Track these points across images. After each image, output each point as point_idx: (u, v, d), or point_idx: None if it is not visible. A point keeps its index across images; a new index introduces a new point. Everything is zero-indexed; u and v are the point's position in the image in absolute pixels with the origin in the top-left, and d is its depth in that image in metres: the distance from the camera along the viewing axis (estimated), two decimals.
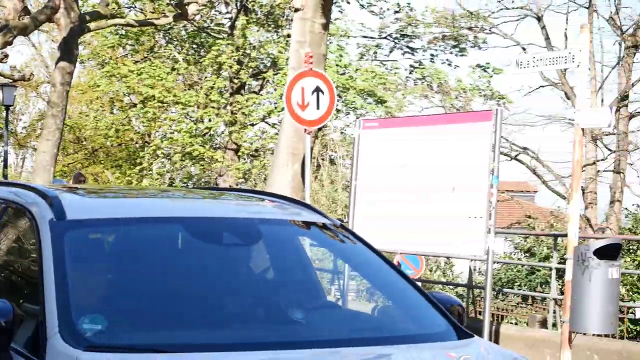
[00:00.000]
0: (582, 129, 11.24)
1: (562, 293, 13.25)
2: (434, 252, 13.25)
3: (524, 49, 36.47)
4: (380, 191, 12.52)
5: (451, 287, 25.60)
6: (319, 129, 14.70)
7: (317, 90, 13.09)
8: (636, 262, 27.80)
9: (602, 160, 35.44)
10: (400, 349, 4.86)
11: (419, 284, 23.59)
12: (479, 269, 30.14)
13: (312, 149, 14.85)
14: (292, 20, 15.71)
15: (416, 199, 11.92)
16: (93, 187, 6.37)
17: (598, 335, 11.33)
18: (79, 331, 4.37)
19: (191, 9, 26.95)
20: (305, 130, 13.48)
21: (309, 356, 4.66)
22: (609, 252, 10.06)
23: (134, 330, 4.67)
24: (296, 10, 14.94)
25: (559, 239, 16.77)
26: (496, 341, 13.04)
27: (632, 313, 21.03)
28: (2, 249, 5.96)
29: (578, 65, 10.64)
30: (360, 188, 12.71)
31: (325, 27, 15.02)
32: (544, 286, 23.48)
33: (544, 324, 14.57)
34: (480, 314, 18.54)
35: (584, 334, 11.06)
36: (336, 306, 6.48)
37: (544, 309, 19.40)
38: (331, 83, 13.65)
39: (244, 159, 34.96)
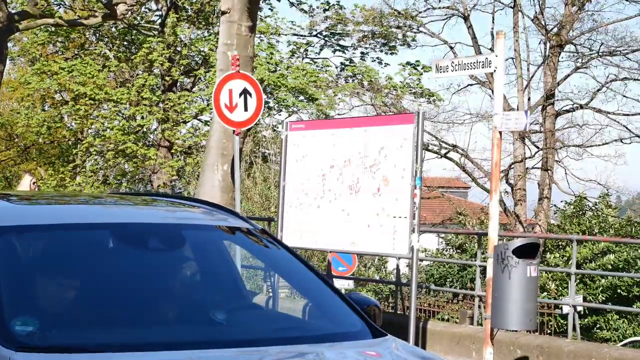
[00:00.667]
0: (500, 134, 11.22)
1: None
2: (362, 250, 13.41)
3: (451, 47, 36.91)
4: (308, 192, 12.63)
5: (383, 284, 25.73)
6: (249, 129, 14.94)
7: (245, 92, 13.30)
8: (565, 258, 28.53)
9: (530, 157, 35.74)
10: (316, 347, 5.06)
11: (351, 281, 23.57)
12: (409, 265, 30.54)
13: (241, 149, 14.99)
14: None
15: (344, 199, 12.06)
16: (25, 193, 6.22)
17: (518, 330, 11.46)
18: (11, 332, 4.49)
19: (120, 8, 26.68)
20: (234, 131, 13.64)
21: (229, 355, 4.79)
22: (527, 251, 10.30)
23: (64, 331, 4.78)
24: (223, 13, 15.03)
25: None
26: (423, 337, 13.36)
27: (559, 308, 21.93)
28: None
29: (494, 70, 10.92)
30: (289, 189, 12.92)
31: (252, 29, 15.11)
32: (473, 283, 24.14)
33: (473, 320, 14.89)
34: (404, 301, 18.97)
35: (508, 330, 11.16)
36: (258, 307, 6.43)
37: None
38: (258, 85, 13.84)
39: (177, 157, 35.02)
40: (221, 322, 5.30)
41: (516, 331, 11.58)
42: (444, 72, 12.05)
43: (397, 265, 17.60)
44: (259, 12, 34.43)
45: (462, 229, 33.83)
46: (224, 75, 13.68)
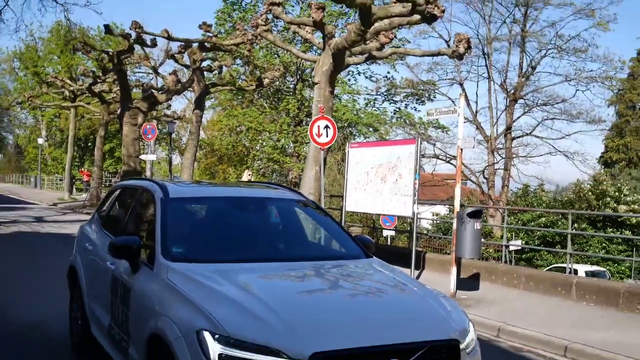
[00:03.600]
0: (461, 150, 11.03)
1: None
2: (387, 213, 13.09)
3: (453, 101, 35.78)
4: (360, 181, 12.97)
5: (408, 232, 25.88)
6: (329, 148, 14.61)
7: (326, 127, 13.17)
8: (516, 219, 29.10)
9: (497, 163, 35.06)
10: (335, 261, 5.33)
11: (393, 231, 24.42)
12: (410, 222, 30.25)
13: (325, 158, 14.27)
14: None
15: (378, 185, 12.36)
16: (198, 181, 6.75)
17: (472, 258, 11.41)
18: (170, 253, 4.75)
19: (266, 81, 26.81)
20: (321, 148, 13.51)
21: (290, 264, 5.00)
22: (475, 214, 10.51)
23: (199, 253, 4.93)
24: (315, 83, 14.65)
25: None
26: (423, 261, 13.41)
27: (507, 247, 21.64)
28: (137, 213, 5.97)
29: (458, 115, 10.99)
30: (350, 179, 13.26)
31: (332, 92, 14.39)
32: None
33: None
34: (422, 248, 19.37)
35: (465, 258, 11.23)
36: (310, 243, 6.07)
37: None
38: (334, 123, 13.48)
39: (302, 162, 33.27)
40: (284, 249, 5.59)
41: (470, 259, 11.59)
42: (432, 115, 12.14)
43: (411, 223, 16.75)
44: (346, 83, 36.75)
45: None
46: (315, 117, 13.56)
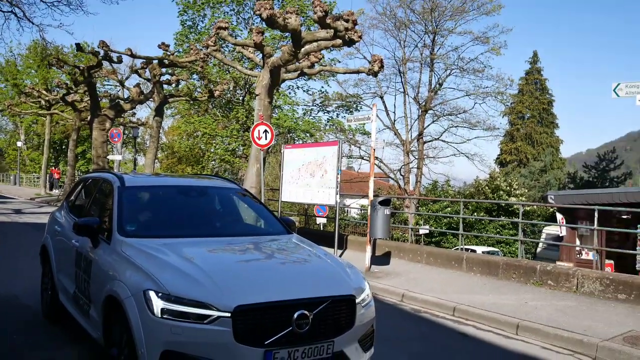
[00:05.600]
0: (374, 149, 11.59)
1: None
2: (316, 202, 12.82)
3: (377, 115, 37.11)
4: (292, 176, 13.09)
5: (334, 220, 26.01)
6: (269, 149, 13.72)
7: (265, 131, 13.05)
8: (427, 209, 29.90)
9: (411, 162, 35.34)
10: (261, 237, 5.39)
11: (324, 219, 24.68)
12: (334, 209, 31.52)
13: (264, 157, 14.01)
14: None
15: (307, 179, 12.50)
16: (154, 174, 6.50)
17: (384, 238, 11.53)
18: (124, 230, 4.79)
19: (216, 93, 26.14)
20: (261, 149, 13.38)
21: (224, 239, 5.08)
22: (385, 202, 10.68)
23: (149, 230, 4.95)
24: (256, 95, 14.19)
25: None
26: (346, 242, 13.60)
27: (413, 230, 23.04)
28: (99, 199, 5.91)
29: (371, 122, 11.40)
30: (285, 175, 13.34)
31: (270, 102, 14.23)
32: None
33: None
34: (349, 233, 18.76)
35: (378, 238, 11.40)
36: (242, 223, 5.93)
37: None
38: (272, 128, 13.29)
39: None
40: (220, 227, 5.54)
41: (381, 239, 11.79)
42: (353, 121, 13.03)
43: (336, 211, 17.37)
44: (287, 95, 36.66)
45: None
46: (256, 123, 13.39)
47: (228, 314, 3.75)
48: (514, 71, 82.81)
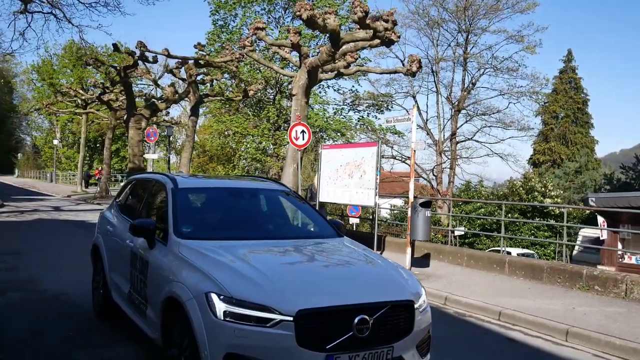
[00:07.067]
0: (414, 151, 11.17)
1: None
2: (354, 203, 12.77)
3: (407, 111, 35.60)
4: (330, 176, 12.94)
5: (370, 220, 25.08)
6: (305, 149, 14.13)
7: (303, 131, 13.13)
8: (460, 210, 29.28)
9: (444, 162, 35.29)
10: (312, 240, 5.36)
11: (357, 219, 24.49)
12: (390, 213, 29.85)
13: (301, 158, 14.15)
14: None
15: (346, 180, 12.37)
16: (195, 175, 6.46)
17: (424, 240, 11.13)
18: (180, 231, 4.82)
19: (250, 92, 26.90)
20: (298, 149, 13.52)
21: (278, 242, 5.05)
22: (426, 204, 10.56)
23: (204, 232, 4.95)
24: (293, 95, 14.47)
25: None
26: (383, 243, 13.34)
27: (452, 232, 22.28)
28: (151, 200, 5.95)
29: (412, 123, 11.09)
30: (323, 175, 13.20)
31: (307, 102, 14.36)
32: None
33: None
34: (382, 233, 18.98)
35: (417, 240, 10.88)
36: (294, 225, 6.04)
37: None
38: (309, 128, 13.36)
39: (280, 161, 33.73)
40: (273, 229, 5.62)
41: (422, 240, 11.28)
42: (389, 122, 12.15)
43: (373, 212, 15.12)
44: (318, 95, 36.61)
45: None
46: (293, 123, 13.50)
47: (290, 318, 3.74)
48: (548, 70, 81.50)
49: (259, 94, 33.01)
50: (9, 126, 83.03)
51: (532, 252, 24.84)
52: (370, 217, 23.14)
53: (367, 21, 11.60)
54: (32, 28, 72.68)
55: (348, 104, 38.06)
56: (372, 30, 11.85)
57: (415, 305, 4.29)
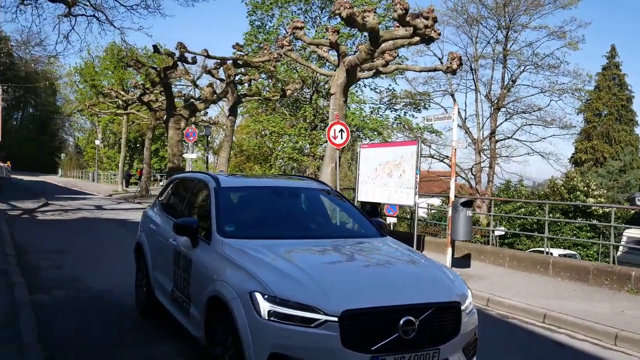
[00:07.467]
0: (455, 149, 11.10)
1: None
2: (393, 202, 12.67)
3: (445, 109, 35.98)
4: (369, 175, 12.84)
5: (407, 219, 24.65)
6: (343, 148, 14.15)
7: (341, 130, 13.23)
8: (499, 209, 28.76)
9: (483, 161, 34.93)
10: (355, 239, 5.31)
11: (395, 219, 24.45)
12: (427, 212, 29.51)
13: (339, 157, 14.08)
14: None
15: (385, 179, 12.25)
16: (236, 174, 6.54)
17: (464, 240, 11.12)
18: (223, 230, 4.81)
19: (288, 92, 27.03)
20: (336, 148, 13.60)
21: (321, 241, 5.02)
22: (467, 204, 10.50)
23: (247, 231, 4.94)
24: (331, 94, 14.44)
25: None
26: (423, 243, 13.22)
27: (493, 232, 21.92)
28: (193, 199, 5.96)
29: (452, 121, 10.98)
30: (361, 174, 13.11)
31: (345, 101, 14.36)
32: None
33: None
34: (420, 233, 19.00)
35: (458, 240, 10.83)
36: (336, 224, 6.03)
37: None
38: (347, 127, 13.44)
39: (317, 160, 33.86)
40: (315, 228, 5.55)
41: (462, 240, 11.25)
42: (429, 120, 12.69)
43: (412, 212, 16.86)
44: (354, 94, 36.55)
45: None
46: (332, 122, 13.55)
47: (335, 319, 3.69)
48: (591, 66, 79.43)
49: (296, 93, 32.99)
50: (52, 127, 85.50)
51: (574, 252, 24.23)
52: (408, 216, 23.35)
53: (407, 18, 11.47)
54: (76, 31, 74.57)
55: (385, 102, 37.89)
56: (412, 28, 11.73)
57: (462, 307, 4.21)
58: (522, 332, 7.19)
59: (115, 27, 25.07)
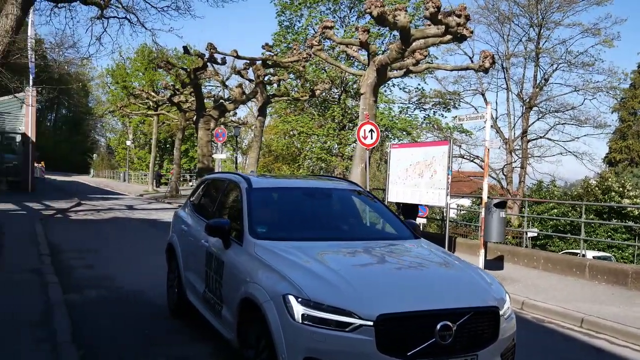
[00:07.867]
0: (488, 149, 10.96)
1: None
2: (424, 203, 12.34)
3: (475, 109, 36.04)
4: (400, 176, 12.76)
5: (437, 220, 25.21)
6: (372, 149, 13.92)
7: (371, 130, 13.12)
8: (531, 210, 28.36)
9: (515, 161, 34.54)
10: (389, 241, 5.22)
11: (425, 219, 24.14)
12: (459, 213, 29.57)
13: (369, 157, 14.08)
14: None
15: (416, 180, 12.18)
16: (266, 174, 6.52)
17: (497, 242, 11.05)
18: (255, 232, 4.78)
19: (317, 92, 27.21)
20: (366, 148, 13.50)
21: (354, 243, 4.94)
22: (500, 205, 10.31)
23: (279, 232, 4.89)
24: (361, 94, 14.42)
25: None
26: (454, 244, 13.17)
27: (526, 233, 22.86)
28: (225, 200, 5.95)
29: (485, 121, 10.83)
30: (392, 174, 13.03)
31: (375, 101, 14.32)
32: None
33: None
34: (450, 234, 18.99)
35: (490, 242, 10.70)
36: (369, 226, 6.02)
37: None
38: (377, 127, 13.36)
39: (345, 161, 34.13)
40: (348, 230, 5.52)
41: (495, 242, 11.20)
42: (461, 120, 12.30)
43: (443, 212, 16.73)
44: (383, 93, 36.45)
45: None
46: (362, 122, 13.43)
47: (371, 323, 3.61)
48: (626, 64, 77.73)
49: (325, 93, 33.03)
50: (84, 128, 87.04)
51: (608, 254, 23.70)
52: (437, 217, 23.19)
53: (439, 17, 11.33)
54: (108, 33, 75.71)
55: (413, 102, 37.67)
56: (444, 26, 11.58)
57: (500, 312, 4.09)
58: (559, 337, 7.00)
59: (146, 28, 25.39)
